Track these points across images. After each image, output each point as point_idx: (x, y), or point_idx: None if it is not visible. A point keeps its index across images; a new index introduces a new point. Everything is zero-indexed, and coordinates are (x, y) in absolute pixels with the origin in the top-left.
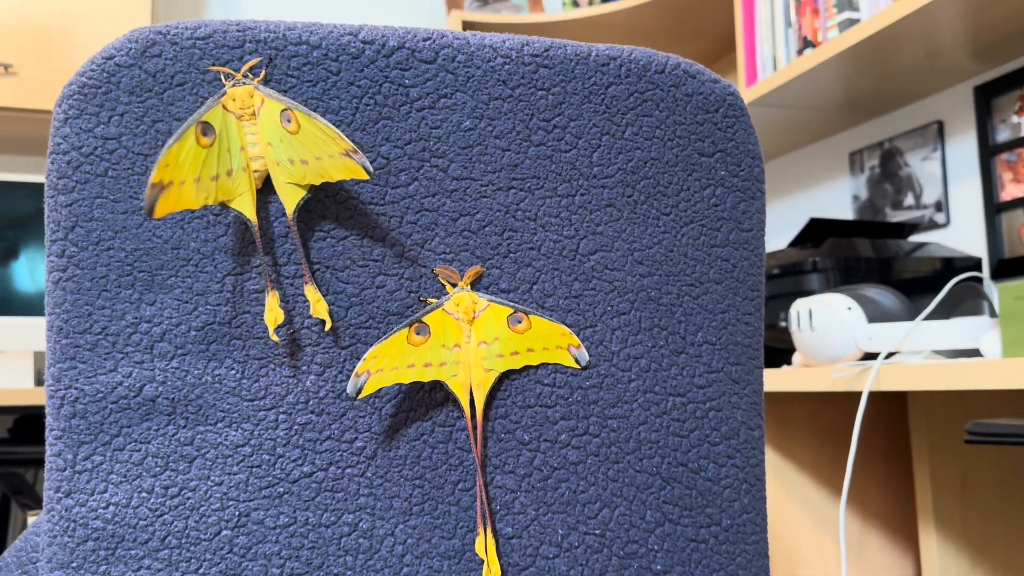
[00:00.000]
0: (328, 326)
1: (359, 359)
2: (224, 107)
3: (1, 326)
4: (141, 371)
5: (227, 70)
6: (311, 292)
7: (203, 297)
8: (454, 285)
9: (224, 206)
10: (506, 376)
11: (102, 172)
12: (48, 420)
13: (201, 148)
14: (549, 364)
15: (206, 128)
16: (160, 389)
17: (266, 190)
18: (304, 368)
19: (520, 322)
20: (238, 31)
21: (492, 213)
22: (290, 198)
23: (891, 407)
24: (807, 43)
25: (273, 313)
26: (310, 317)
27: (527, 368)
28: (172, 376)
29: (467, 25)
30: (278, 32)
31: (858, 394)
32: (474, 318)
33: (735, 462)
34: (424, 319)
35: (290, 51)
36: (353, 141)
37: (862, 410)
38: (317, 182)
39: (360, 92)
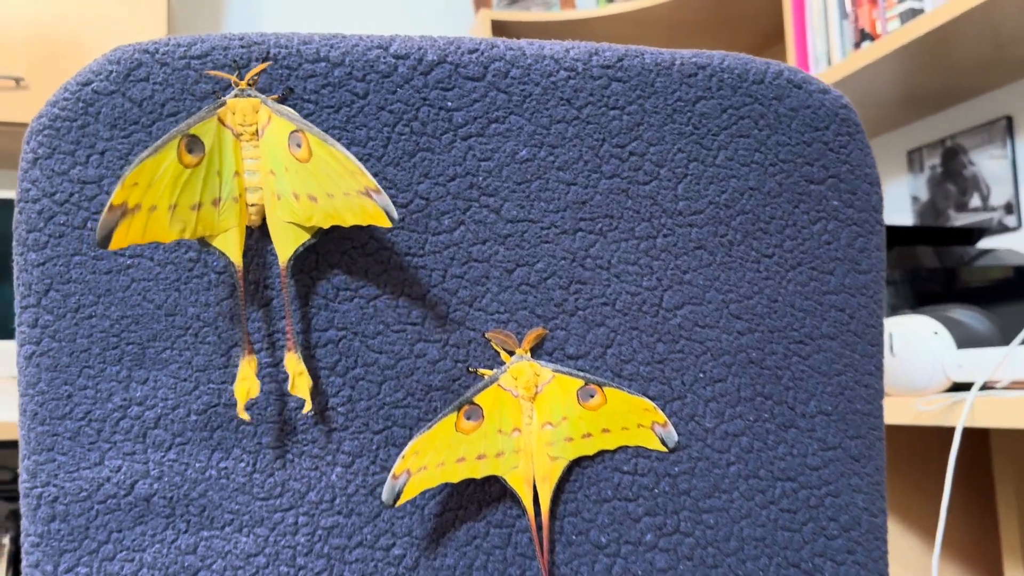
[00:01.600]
0: (307, 407)
1: (395, 446)
2: (220, 120)
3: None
4: (132, 464)
5: (229, 76)
6: (292, 362)
7: (205, 374)
8: (511, 352)
9: (204, 243)
10: (576, 464)
11: (80, 224)
12: (23, 523)
13: (183, 167)
14: (629, 448)
15: (193, 143)
16: (156, 486)
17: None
18: (329, 459)
19: (593, 396)
20: (242, 47)
21: (555, 262)
22: (287, 241)
23: (966, 438)
24: (864, 35)
25: (246, 384)
26: (336, 395)
27: (602, 454)
28: (170, 470)
29: (496, 25)
30: (291, 47)
31: (945, 429)
32: (537, 393)
33: (856, 558)
34: (476, 399)
35: (306, 70)
36: (384, 178)
37: (956, 449)
38: (325, 225)
39: (392, 119)
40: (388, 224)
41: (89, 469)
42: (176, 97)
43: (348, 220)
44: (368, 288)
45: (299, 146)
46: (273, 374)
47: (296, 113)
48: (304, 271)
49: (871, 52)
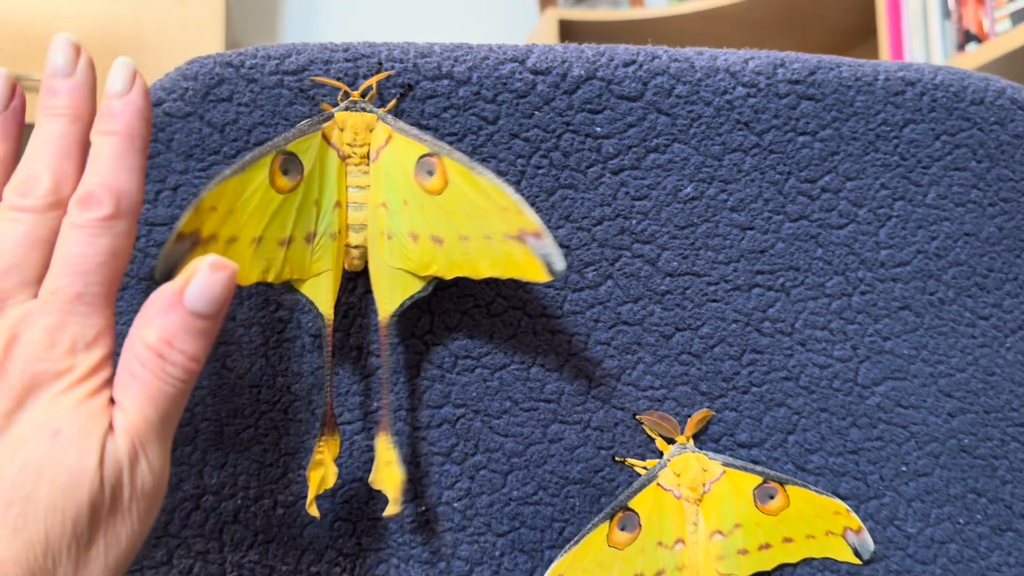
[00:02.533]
0: (391, 509)
1: (522, 552)
2: (325, 137)
3: None
4: (206, 566)
5: (340, 84)
6: (383, 447)
7: (294, 459)
8: (669, 440)
9: (290, 289)
10: None
11: (147, 274)
12: None
13: (275, 192)
14: (814, 560)
15: (289, 163)
16: None
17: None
18: (443, 566)
19: (773, 497)
20: (347, 60)
21: (725, 326)
22: (392, 293)
23: None
24: (970, 37)
25: (321, 471)
26: (451, 488)
27: (783, 568)
28: (250, 574)
29: (564, 25)
30: (406, 60)
31: None
32: (704, 494)
33: None
34: (631, 503)
35: (425, 89)
36: None
37: None
38: (448, 276)
39: (528, 148)
40: (545, 278)
41: (154, 570)
42: (266, 122)
43: (482, 271)
44: (493, 356)
45: (431, 174)
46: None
47: (428, 134)
48: (416, 334)
49: (978, 55)
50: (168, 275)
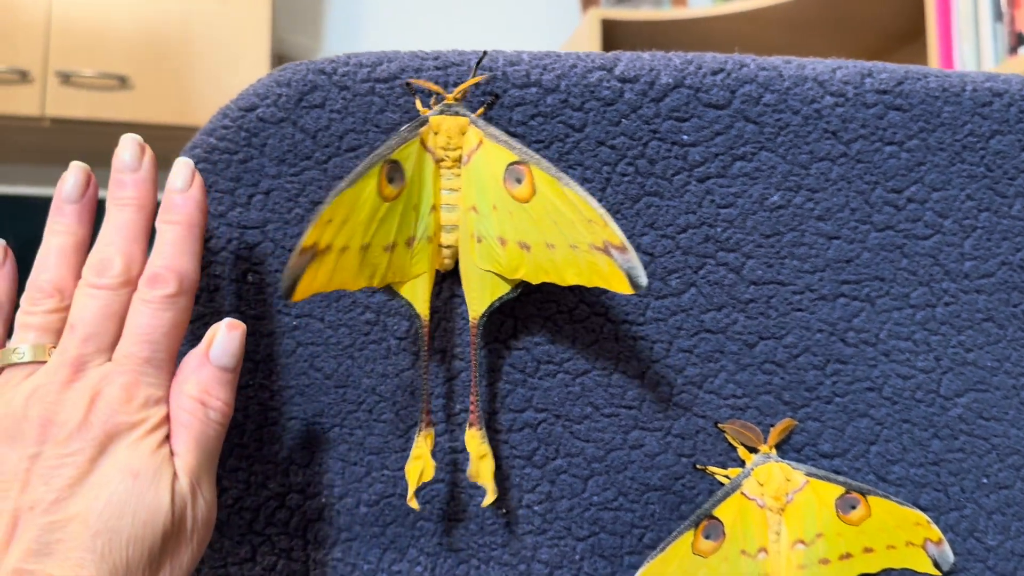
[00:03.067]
0: (489, 498)
1: (602, 557)
2: (422, 142)
3: None
4: (289, 563)
5: (434, 87)
6: (475, 441)
7: (379, 458)
8: (751, 449)
9: (390, 292)
10: None
11: (239, 275)
12: None
13: (382, 200)
14: (893, 571)
15: (394, 171)
16: None
17: (450, 276)
18: (522, 568)
19: (855, 507)
20: (437, 68)
21: (809, 335)
22: (482, 294)
23: None
24: (1022, 40)
25: (420, 464)
26: (532, 491)
27: None
28: (333, 572)
29: (607, 24)
30: (495, 69)
31: None
32: (787, 503)
33: None
34: (715, 512)
35: (513, 97)
36: None
37: None
38: (535, 280)
39: (614, 156)
40: (628, 290)
41: (238, 567)
42: (357, 128)
43: (568, 278)
44: (575, 362)
45: (519, 181)
46: (458, 461)
47: (518, 141)
48: (499, 339)
49: None
50: (291, 288)
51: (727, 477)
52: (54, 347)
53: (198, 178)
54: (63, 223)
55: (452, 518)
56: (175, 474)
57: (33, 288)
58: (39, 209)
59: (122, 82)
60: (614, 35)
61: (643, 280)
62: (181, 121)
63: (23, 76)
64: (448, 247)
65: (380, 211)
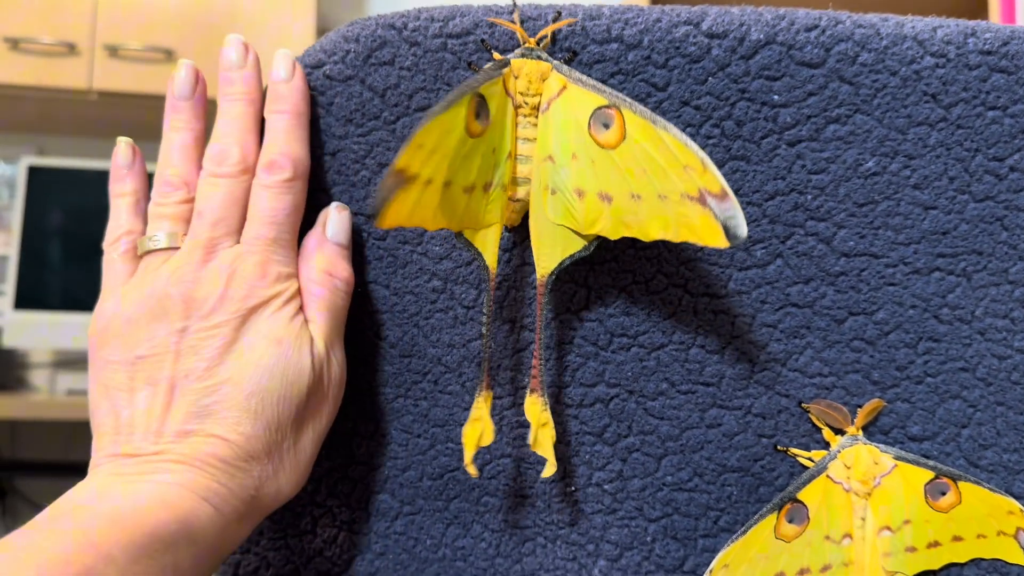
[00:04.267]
0: (548, 470)
1: (675, 539)
2: (504, 85)
3: None
4: (351, 536)
5: (516, 27)
6: (535, 409)
7: (443, 430)
8: (837, 431)
9: (461, 239)
10: None
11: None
12: None
13: (467, 135)
14: (983, 561)
15: (481, 107)
16: (377, 564)
17: (520, 244)
18: (591, 548)
19: (945, 493)
20: (514, 22)
21: (902, 311)
22: (552, 250)
23: None
24: None
25: (479, 427)
26: (602, 469)
27: (950, 567)
28: (395, 545)
29: None
30: (574, 24)
31: None
32: (874, 487)
33: None
34: (799, 496)
35: (592, 53)
36: None
37: None
38: (614, 236)
39: (699, 117)
40: (723, 244)
41: (298, 538)
42: (428, 87)
43: (652, 232)
44: (651, 335)
45: (607, 126)
46: (526, 435)
47: (605, 86)
48: (571, 310)
49: None
50: (383, 212)
51: (811, 460)
52: (185, 234)
53: (299, 68)
54: (181, 119)
55: (518, 494)
56: (312, 339)
57: (161, 182)
58: (87, 181)
59: (168, 55)
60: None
61: (742, 231)
62: None
63: (71, 49)
64: (518, 200)
65: (465, 147)
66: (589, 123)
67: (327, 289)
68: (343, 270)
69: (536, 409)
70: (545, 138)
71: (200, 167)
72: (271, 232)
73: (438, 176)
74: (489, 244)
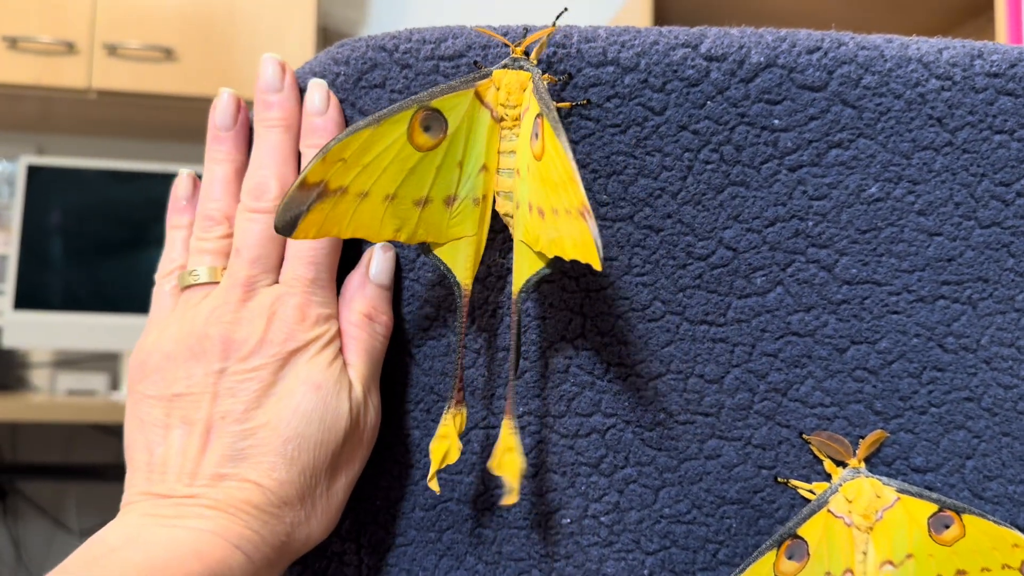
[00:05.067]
0: (510, 498)
1: (672, 573)
2: (478, 96)
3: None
4: (341, 568)
5: (501, 38)
6: (506, 432)
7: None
8: (839, 463)
9: (425, 250)
10: None
11: None
12: None
13: (413, 149)
14: None
15: (432, 120)
16: None
17: (510, 270)
18: None
19: (948, 526)
20: (507, 46)
21: (905, 340)
22: (520, 267)
23: None
24: None
25: (445, 444)
26: (599, 501)
27: None
28: None
29: (659, 1)
30: (568, 46)
31: None
32: (876, 521)
33: None
34: (799, 531)
35: (588, 76)
36: (679, 221)
37: None
38: (549, 253)
39: (697, 142)
40: (597, 266)
41: (287, 571)
42: None
43: (568, 250)
44: (648, 365)
45: (537, 136)
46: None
47: (545, 87)
48: (565, 338)
49: None
50: (290, 225)
51: (812, 492)
52: (225, 269)
53: (333, 99)
54: (222, 151)
55: (512, 526)
56: (350, 383)
57: (203, 216)
58: (86, 180)
59: (168, 54)
60: (666, 8)
61: (599, 253)
62: None
63: (70, 48)
64: (508, 215)
65: (410, 161)
66: (531, 134)
67: (367, 333)
68: (383, 313)
69: (505, 432)
70: (518, 151)
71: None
72: (310, 272)
73: (376, 189)
74: (460, 258)
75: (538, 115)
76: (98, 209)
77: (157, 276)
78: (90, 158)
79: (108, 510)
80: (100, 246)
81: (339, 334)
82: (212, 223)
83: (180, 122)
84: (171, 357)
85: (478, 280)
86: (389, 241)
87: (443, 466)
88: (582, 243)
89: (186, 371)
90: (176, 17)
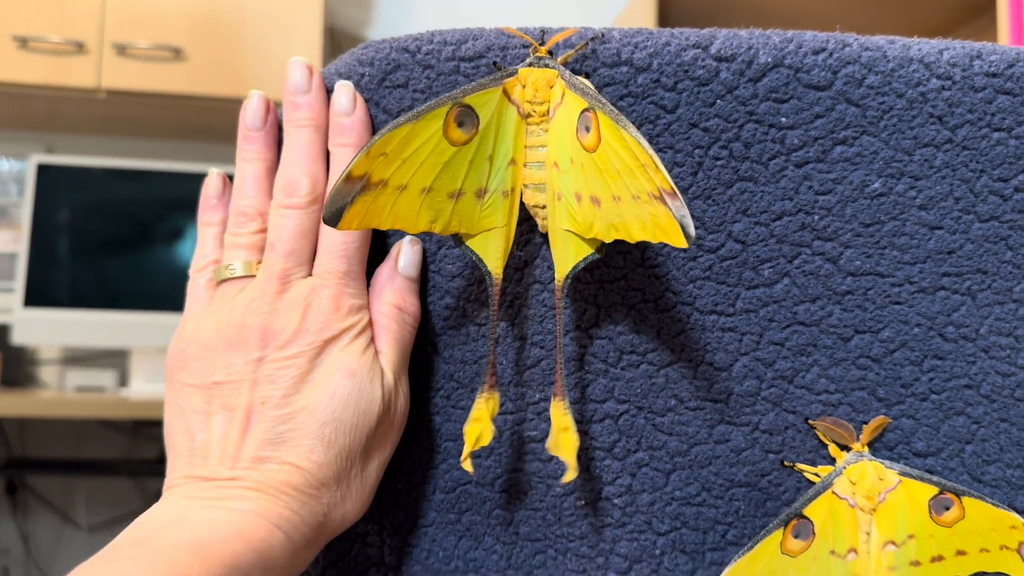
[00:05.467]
0: (570, 475)
1: (683, 553)
2: (506, 93)
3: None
4: (364, 548)
5: (527, 37)
6: (558, 413)
7: (455, 444)
8: (843, 447)
9: (458, 241)
10: None
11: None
12: None
13: (448, 143)
14: (987, 574)
15: (465, 116)
16: None
17: (531, 261)
18: (600, 560)
19: (948, 508)
20: (523, 45)
21: (907, 329)
22: (566, 255)
23: None
24: None
25: (479, 426)
26: (612, 483)
27: None
28: (408, 558)
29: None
30: (583, 46)
31: None
32: (879, 503)
33: None
34: (805, 511)
35: (602, 76)
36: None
37: None
38: (607, 238)
39: (707, 139)
40: (683, 244)
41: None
42: None
43: (635, 233)
44: (660, 353)
45: (588, 130)
46: (537, 450)
47: (592, 87)
48: (580, 327)
49: None
50: (336, 216)
51: (817, 475)
52: (259, 263)
53: (360, 99)
54: (253, 150)
55: (529, 507)
56: (382, 370)
57: (236, 213)
58: (95, 178)
59: (176, 54)
60: (670, 8)
61: (692, 230)
62: (234, 93)
63: (79, 47)
64: (538, 207)
65: (445, 155)
66: (577, 127)
67: (397, 323)
68: (412, 304)
69: (557, 413)
70: (552, 144)
71: (272, 196)
72: (343, 265)
73: (414, 182)
74: (491, 249)
75: (587, 109)
76: (107, 207)
77: (191, 271)
78: (99, 157)
79: (116, 505)
80: (109, 244)
81: (370, 324)
82: (246, 219)
83: (188, 121)
84: (210, 347)
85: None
86: (424, 232)
87: (476, 448)
88: (657, 224)
89: (225, 360)
90: (184, 17)
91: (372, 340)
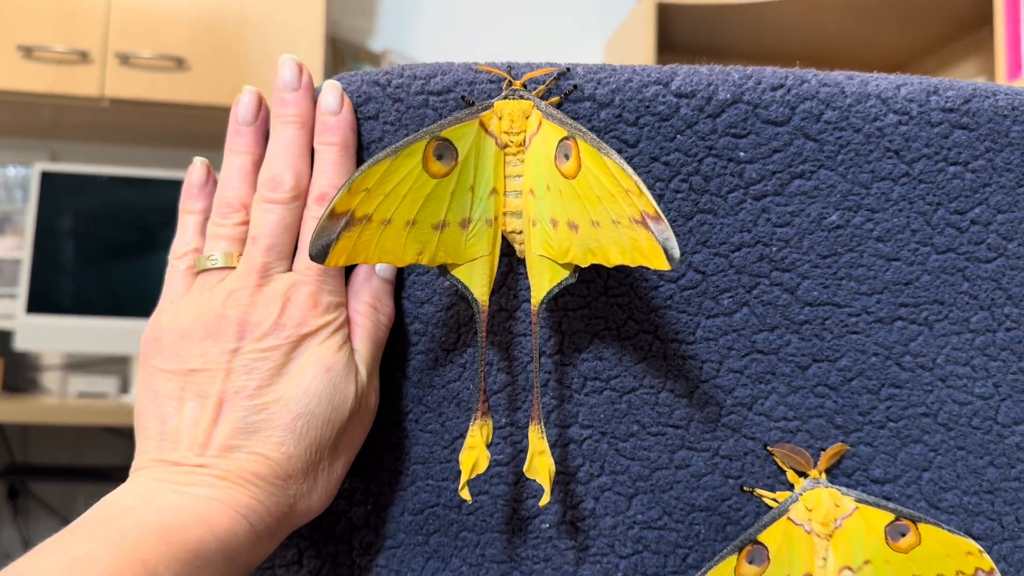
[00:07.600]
0: (545, 499)
1: None
2: (483, 126)
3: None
4: (335, 568)
5: (503, 73)
6: (534, 437)
7: (424, 467)
8: (801, 473)
9: (443, 272)
10: None
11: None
12: None
13: (428, 176)
14: None
15: (444, 149)
16: None
17: (514, 284)
18: None
19: (904, 534)
20: (490, 80)
21: (864, 359)
22: (539, 280)
23: None
24: None
25: (474, 454)
26: (576, 507)
27: None
28: None
29: (662, 8)
30: (552, 82)
31: None
32: (835, 529)
33: None
34: (760, 537)
35: (566, 110)
36: None
37: None
38: (584, 263)
39: (668, 172)
40: (665, 266)
41: (285, 568)
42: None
43: (612, 257)
44: (622, 379)
45: (567, 157)
46: (503, 473)
47: (569, 118)
48: (545, 353)
49: None
50: (323, 252)
51: (775, 500)
52: (240, 255)
53: (347, 99)
54: (242, 143)
55: (495, 530)
56: (357, 368)
57: (220, 203)
58: (98, 186)
59: (179, 64)
60: (669, 19)
61: (676, 252)
62: None
63: (83, 57)
64: (516, 232)
65: (426, 188)
66: (555, 155)
67: (372, 322)
68: (387, 305)
69: (534, 437)
70: (528, 172)
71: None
72: None
73: (398, 216)
74: (477, 276)
75: (566, 137)
76: (110, 215)
77: (171, 257)
78: (102, 165)
79: None
80: (111, 251)
81: (347, 322)
82: (230, 210)
83: (191, 130)
84: (186, 335)
85: (464, 299)
86: (412, 264)
87: (473, 475)
88: (637, 248)
89: (201, 349)
90: (188, 27)
91: (348, 338)
